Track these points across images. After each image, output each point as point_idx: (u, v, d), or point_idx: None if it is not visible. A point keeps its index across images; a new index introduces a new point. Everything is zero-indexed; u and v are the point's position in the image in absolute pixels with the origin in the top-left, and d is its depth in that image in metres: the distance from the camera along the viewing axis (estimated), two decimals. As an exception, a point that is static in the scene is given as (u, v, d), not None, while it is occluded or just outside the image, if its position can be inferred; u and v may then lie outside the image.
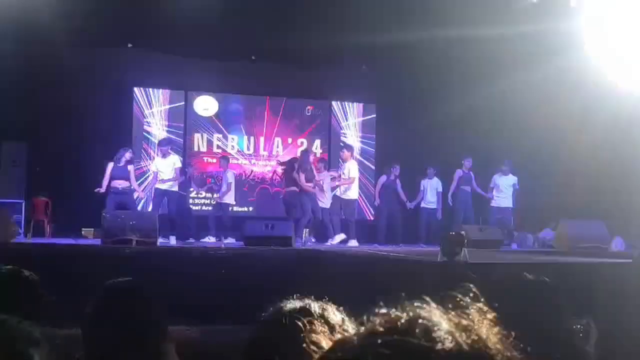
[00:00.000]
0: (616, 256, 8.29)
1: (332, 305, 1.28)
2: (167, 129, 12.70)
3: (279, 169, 12.71)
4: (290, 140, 13.39)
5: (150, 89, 12.70)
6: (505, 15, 9.44)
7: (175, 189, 10.27)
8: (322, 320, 1.22)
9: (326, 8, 9.97)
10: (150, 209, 11.15)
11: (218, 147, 13.04)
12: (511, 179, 11.57)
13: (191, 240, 10.44)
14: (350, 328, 1.19)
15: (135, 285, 2.01)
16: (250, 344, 1.29)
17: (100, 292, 1.97)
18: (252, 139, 13.25)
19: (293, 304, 1.28)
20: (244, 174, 13.05)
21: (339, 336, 1.15)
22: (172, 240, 9.72)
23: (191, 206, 11.86)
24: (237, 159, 13.03)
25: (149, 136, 12.61)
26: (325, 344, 1.14)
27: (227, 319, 4.24)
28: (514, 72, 10.45)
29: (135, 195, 10.57)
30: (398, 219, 11.78)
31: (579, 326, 2.39)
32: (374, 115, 13.79)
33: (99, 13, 9.94)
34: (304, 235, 9.86)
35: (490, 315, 0.76)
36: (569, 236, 9.96)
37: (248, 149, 13.23)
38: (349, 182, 11.22)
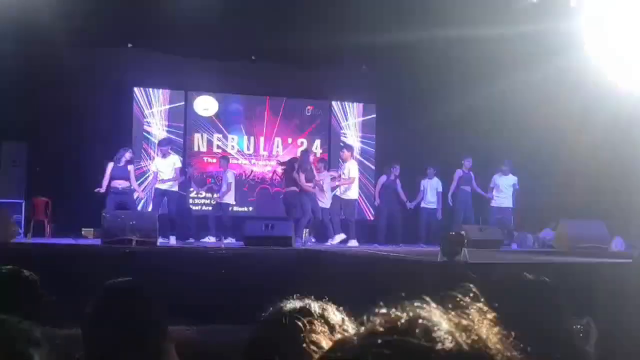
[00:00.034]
0: (616, 256, 8.29)
1: (332, 305, 1.28)
2: (167, 129, 12.70)
3: (279, 169, 12.71)
4: (290, 140, 13.39)
5: (151, 89, 12.70)
6: (505, 15, 9.44)
7: (176, 189, 10.28)
8: (322, 320, 1.22)
9: (326, 8, 9.97)
10: (150, 209, 11.16)
11: (218, 147, 13.04)
12: (511, 179, 11.57)
13: (191, 240, 10.44)
14: (350, 328, 1.19)
15: (135, 285, 2.01)
16: (250, 344, 1.29)
17: (100, 292, 1.97)
18: (252, 139, 13.25)
19: (293, 304, 1.28)
20: (244, 174, 13.05)
21: (339, 336, 1.15)
22: (172, 240, 9.73)
23: (191, 206, 11.86)
24: (237, 159, 13.03)
25: (149, 136, 12.61)
26: (325, 344, 1.14)
27: (227, 319, 4.24)
28: (514, 72, 10.45)
29: (135, 195, 10.57)
30: (398, 219, 11.79)
31: (579, 326, 2.39)
32: (374, 115, 13.79)
33: (99, 13, 9.94)
34: (303, 235, 9.86)
35: (490, 316, 0.76)
36: (569, 236, 9.95)
37: (248, 149, 13.23)
38: (349, 182, 11.22)
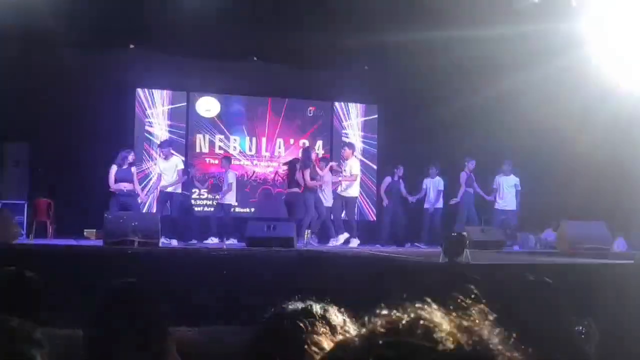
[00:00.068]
0: (618, 257, 8.28)
1: (334, 306, 1.29)
2: (169, 129, 12.70)
3: (281, 170, 12.70)
4: (292, 141, 13.39)
5: (153, 90, 12.71)
6: (505, 15, 9.43)
7: (179, 190, 10.33)
8: (324, 322, 1.23)
9: (328, 9, 9.97)
10: (154, 210, 11.16)
11: (220, 148, 13.04)
12: (512, 180, 11.56)
13: (193, 241, 10.45)
14: (352, 329, 1.19)
15: (137, 286, 2.02)
16: (252, 344, 1.29)
17: (102, 293, 1.97)
18: (254, 139, 13.25)
19: (295, 305, 1.29)
20: (245, 175, 13.04)
21: (340, 337, 1.15)
22: (174, 243, 9.74)
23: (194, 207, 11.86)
24: (239, 160, 13.03)
25: (150, 137, 12.61)
26: (327, 345, 1.15)
27: (229, 320, 4.24)
28: (514, 72, 10.44)
29: (139, 200, 10.57)
30: (402, 220, 11.78)
31: (580, 327, 2.39)
32: (376, 116, 13.79)
33: (101, 13, 9.94)
34: (305, 236, 9.84)
35: (491, 316, 0.77)
36: (570, 237, 9.92)
37: (250, 149, 13.23)
38: (351, 180, 11.20)
